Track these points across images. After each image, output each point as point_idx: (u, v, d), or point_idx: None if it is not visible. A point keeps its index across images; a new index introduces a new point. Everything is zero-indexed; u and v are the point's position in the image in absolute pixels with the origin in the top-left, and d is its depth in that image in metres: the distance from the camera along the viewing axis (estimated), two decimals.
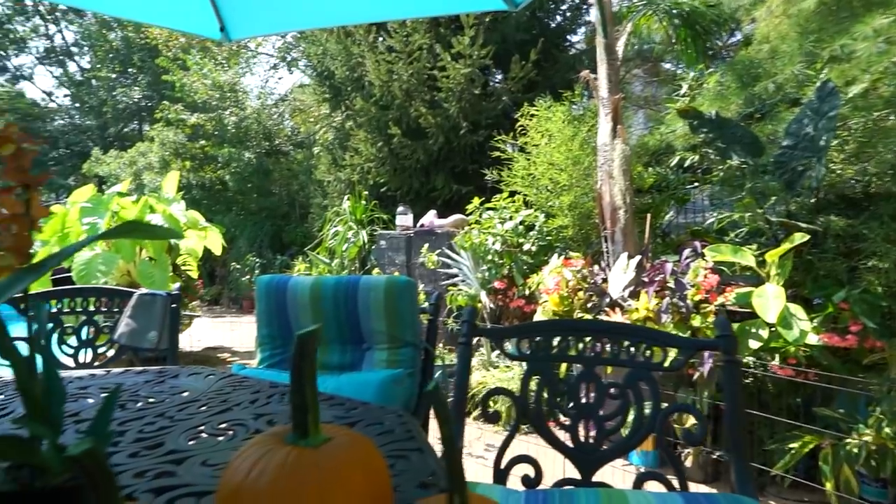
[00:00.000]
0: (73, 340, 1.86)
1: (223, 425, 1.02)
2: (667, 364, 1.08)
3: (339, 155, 7.03)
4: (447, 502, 0.48)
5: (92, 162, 12.53)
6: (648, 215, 3.27)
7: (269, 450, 0.51)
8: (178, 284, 1.99)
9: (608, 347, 1.16)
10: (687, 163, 3.44)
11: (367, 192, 6.00)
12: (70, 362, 1.82)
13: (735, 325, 2.60)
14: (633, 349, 1.14)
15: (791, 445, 2.40)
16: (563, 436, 1.15)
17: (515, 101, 5.63)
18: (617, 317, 2.90)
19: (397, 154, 6.00)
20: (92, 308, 1.89)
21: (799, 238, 2.39)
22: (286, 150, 11.85)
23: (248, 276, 9.37)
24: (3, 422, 1.00)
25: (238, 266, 9.61)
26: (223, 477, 0.51)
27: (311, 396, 0.53)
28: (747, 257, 2.55)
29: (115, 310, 1.93)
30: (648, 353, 1.12)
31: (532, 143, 4.25)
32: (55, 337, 1.81)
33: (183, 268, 5.72)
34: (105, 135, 17.34)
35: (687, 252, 2.88)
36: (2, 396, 1.18)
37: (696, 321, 2.66)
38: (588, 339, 1.14)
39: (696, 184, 3.59)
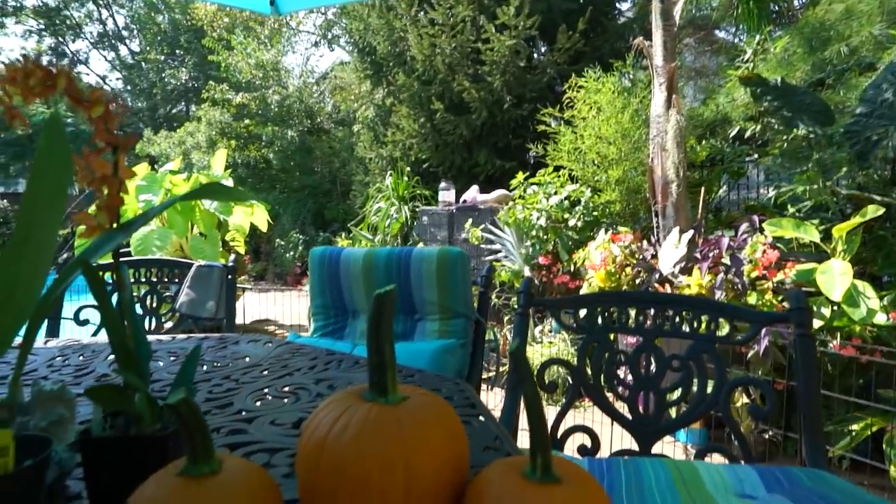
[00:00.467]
0: (137, 308, 1.96)
1: (286, 389, 1.05)
2: (733, 337, 1.04)
3: (381, 131, 7.05)
4: (529, 461, 0.48)
5: (144, 142, 13.03)
6: (702, 189, 3.14)
7: (350, 406, 0.51)
8: (233, 256, 2.05)
9: (668, 320, 1.12)
10: (747, 134, 3.26)
11: (408, 169, 6.01)
12: None
13: None
14: (695, 322, 1.10)
15: (852, 427, 2.30)
16: (621, 408, 1.13)
17: (561, 74, 5.47)
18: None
19: (439, 129, 5.96)
20: (154, 278, 1.98)
21: (872, 211, 2.24)
22: (327, 128, 11.98)
23: (291, 253, 9.61)
24: (88, 380, 1.06)
25: (282, 243, 9.86)
26: (305, 432, 0.52)
27: (389, 355, 0.53)
28: (811, 232, 2.42)
29: (176, 280, 2.01)
30: (712, 325, 1.08)
31: (579, 116, 4.13)
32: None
33: (231, 244, 5.93)
34: (155, 116, 17.99)
35: (744, 227, 2.76)
36: (81, 358, 1.26)
37: (752, 298, 2.55)
38: (650, 311, 1.11)
39: (756, 156, 3.40)
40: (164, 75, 17.65)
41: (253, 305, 6.84)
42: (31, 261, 0.43)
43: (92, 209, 0.56)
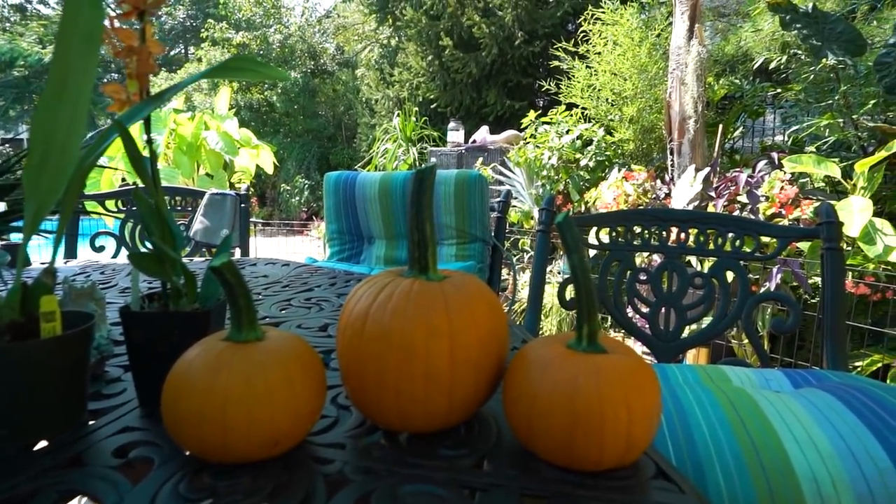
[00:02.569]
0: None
1: (309, 300, 1.05)
2: (759, 253, 1.03)
3: (388, 71, 6.84)
4: (575, 332, 0.48)
5: None
6: (720, 126, 3.06)
7: (391, 281, 0.51)
8: (245, 185, 2.03)
9: (692, 238, 1.11)
10: (771, 65, 3.13)
11: (416, 109, 5.87)
12: None
13: (808, 243, 2.47)
14: (719, 239, 1.09)
15: (857, 364, 2.34)
16: (641, 326, 1.14)
17: (575, 8, 5.23)
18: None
19: (448, 68, 5.78)
20: (168, 207, 1.96)
21: None
22: (331, 69, 11.65)
23: (297, 198, 9.58)
24: (112, 292, 1.07)
25: (287, 188, 9.81)
26: (346, 306, 0.51)
27: (430, 232, 0.52)
28: (832, 168, 2.37)
29: (189, 208, 2.01)
30: (737, 243, 1.07)
31: (594, 51, 3.97)
32: (137, 232, 1.91)
33: (237, 186, 5.89)
34: (154, 58, 17.50)
35: (762, 164, 2.70)
36: (102, 275, 1.27)
37: (766, 238, 2.54)
38: (674, 229, 1.09)
39: (778, 90, 3.28)
40: (160, 13, 17.08)
41: (260, 250, 6.88)
42: (67, 113, 0.42)
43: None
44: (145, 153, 0.56)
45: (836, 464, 0.49)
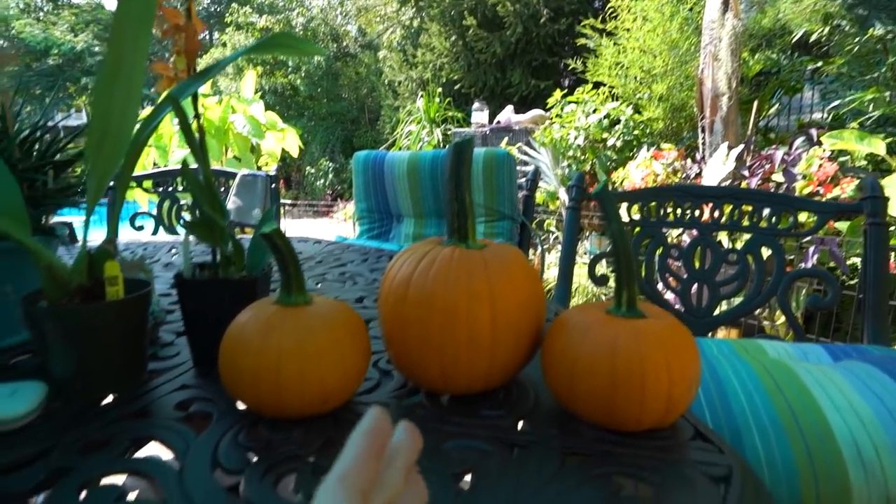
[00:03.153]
0: (187, 216, 2.02)
1: (343, 276, 1.08)
2: (797, 230, 1.01)
3: (411, 52, 6.79)
4: (615, 298, 0.48)
5: None
6: (755, 103, 2.96)
7: (431, 250, 0.52)
8: (275, 166, 2.06)
9: (725, 215, 1.10)
10: (812, 37, 2.99)
11: (440, 90, 5.83)
12: None
13: (847, 223, 2.40)
14: (755, 217, 1.07)
15: None
16: (674, 303, 1.13)
17: None
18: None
19: (472, 48, 5.70)
20: None
21: None
22: (354, 52, 11.62)
23: (322, 181, 9.66)
24: (156, 266, 1.11)
25: (312, 171, 9.89)
26: (388, 273, 0.53)
27: (469, 202, 0.53)
28: (876, 144, 2.27)
29: (222, 189, 2.06)
30: (773, 220, 1.05)
31: (622, 27, 3.87)
32: (173, 212, 1.97)
33: (264, 169, 5.97)
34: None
35: (799, 141, 2.61)
36: (145, 251, 1.32)
37: (803, 216, 2.47)
38: (706, 207, 1.08)
39: (819, 64, 3.15)
40: None
41: (288, 232, 6.98)
42: (122, 94, 0.44)
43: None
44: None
45: (878, 430, 0.49)
